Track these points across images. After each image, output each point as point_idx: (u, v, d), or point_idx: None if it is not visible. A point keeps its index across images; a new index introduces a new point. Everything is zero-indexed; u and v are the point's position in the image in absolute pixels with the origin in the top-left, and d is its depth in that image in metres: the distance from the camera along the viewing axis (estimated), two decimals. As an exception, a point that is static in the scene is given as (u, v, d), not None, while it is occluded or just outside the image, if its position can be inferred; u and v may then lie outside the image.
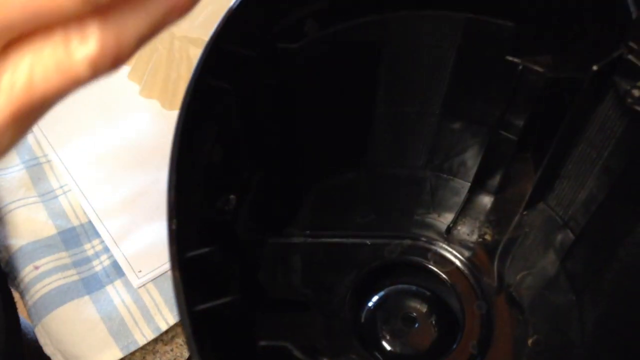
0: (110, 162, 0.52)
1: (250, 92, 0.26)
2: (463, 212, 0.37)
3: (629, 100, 0.27)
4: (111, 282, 0.47)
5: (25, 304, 0.46)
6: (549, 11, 0.31)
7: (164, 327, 0.45)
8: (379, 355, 0.34)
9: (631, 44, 0.27)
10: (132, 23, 0.16)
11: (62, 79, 0.16)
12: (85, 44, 0.15)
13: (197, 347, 0.17)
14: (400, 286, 0.36)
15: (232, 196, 0.28)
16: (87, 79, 0.16)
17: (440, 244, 0.37)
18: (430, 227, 0.38)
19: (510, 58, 0.32)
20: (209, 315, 0.19)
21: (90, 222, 0.49)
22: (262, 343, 0.18)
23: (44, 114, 0.17)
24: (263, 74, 0.27)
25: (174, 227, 0.20)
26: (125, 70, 0.57)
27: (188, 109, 0.22)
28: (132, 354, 0.45)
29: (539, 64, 0.31)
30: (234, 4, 0.26)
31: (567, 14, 0.30)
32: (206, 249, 0.20)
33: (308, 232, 0.36)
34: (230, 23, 0.26)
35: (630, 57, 0.27)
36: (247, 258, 0.31)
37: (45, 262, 0.46)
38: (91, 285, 0.46)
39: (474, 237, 0.37)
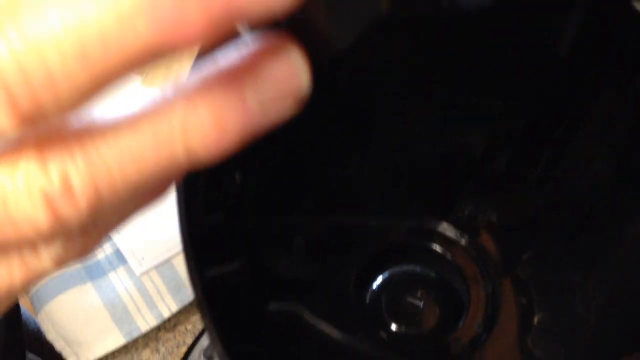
0: (113, 151, 0.52)
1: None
2: (468, 193, 0.37)
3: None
4: (114, 269, 0.47)
5: (27, 291, 0.46)
6: None
7: (166, 314, 0.45)
8: (384, 335, 0.34)
9: None
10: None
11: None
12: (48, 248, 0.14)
13: (209, 311, 0.17)
14: (405, 267, 0.36)
15: (237, 175, 0.28)
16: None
17: (446, 225, 0.37)
18: (435, 208, 0.38)
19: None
20: (218, 281, 0.19)
21: (92, 209, 0.49)
22: (272, 307, 0.19)
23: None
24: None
25: (182, 193, 0.19)
26: (127, 59, 0.57)
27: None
28: (135, 341, 0.45)
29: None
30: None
31: None
32: (215, 217, 0.20)
33: (312, 212, 0.36)
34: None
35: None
36: (253, 235, 0.31)
37: (48, 249, 0.46)
38: (94, 272, 0.46)
39: (480, 218, 0.37)
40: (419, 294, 0.35)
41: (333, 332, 0.30)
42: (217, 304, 0.18)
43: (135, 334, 0.44)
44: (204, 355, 0.41)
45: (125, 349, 0.45)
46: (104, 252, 0.47)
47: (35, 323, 0.55)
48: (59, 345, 0.44)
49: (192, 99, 0.12)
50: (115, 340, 0.44)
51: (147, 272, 0.46)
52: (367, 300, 0.35)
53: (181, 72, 0.54)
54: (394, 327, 0.34)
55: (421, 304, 0.35)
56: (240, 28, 0.13)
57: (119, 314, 0.44)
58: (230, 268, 0.20)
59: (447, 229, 0.37)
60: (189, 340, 0.45)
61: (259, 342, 0.21)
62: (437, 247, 0.36)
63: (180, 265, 0.47)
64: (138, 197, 0.15)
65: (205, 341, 0.43)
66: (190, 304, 0.46)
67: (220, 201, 0.23)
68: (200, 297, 0.18)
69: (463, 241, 0.36)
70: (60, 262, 0.14)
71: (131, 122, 0.13)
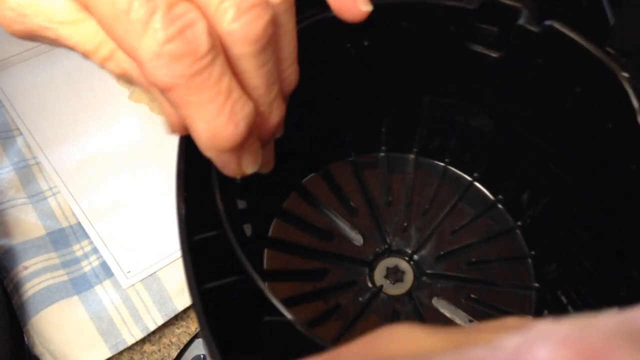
0: (100, 165, 0.53)
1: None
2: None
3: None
4: (100, 282, 0.47)
5: (14, 304, 0.46)
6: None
7: (152, 327, 0.45)
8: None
9: (609, 49, 0.29)
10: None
11: None
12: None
13: (207, 322, 0.18)
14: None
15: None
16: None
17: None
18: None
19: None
20: (216, 293, 0.20)
21: (79, 223, 0.50)
22: (267, 319, 0.19)
23: None
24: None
25: (183, 212, 0.20)
26: (114, 75, 0.58)
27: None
28: (120, 354, 0.45)
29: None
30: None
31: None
32: (213, 233, 0.21)
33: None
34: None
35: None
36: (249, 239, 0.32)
37: (35, 263, 0.47)
38: (80, 285, 0.47)
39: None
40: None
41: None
42: (214, 315, 0.19)
43: (121, 347, 0.44)
44: (189, 367, 0.42)
45: (110, 362, 0.45)
46: (90, 264, 0.48)
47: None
48: (46, 359, 0.44)
49: None
50: (101, 353, 0.44)
51: (133, 285, 0.47)
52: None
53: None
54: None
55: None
56: None
57: (105, 326, 0.45)
58: (228, 280, 0.21)
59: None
60: (174, 353, 0.46)
61: (256, 352, 0.22)
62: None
63: (166, 279, 0.47)
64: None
65: (190, 354, 0.43)
66: (175, 318, 0.47)
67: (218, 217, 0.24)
68: (199, 309, 0.19)
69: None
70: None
71: None
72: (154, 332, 0.46)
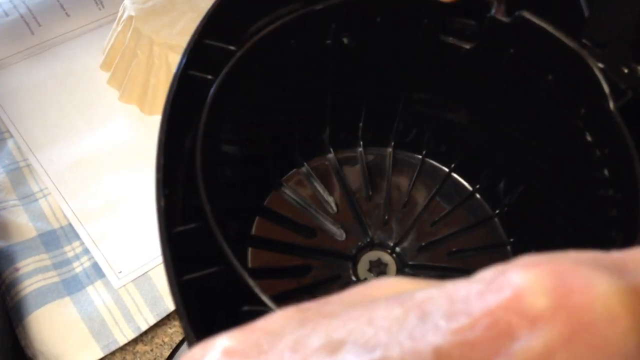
0: (90, 166, 0.53)
1: (232, 82, 0.28)
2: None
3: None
4: (91, 283, 0.47)
5: (6, 306, 0.46)
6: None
7: (144, 327, 0.45)
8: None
9: (584, 41, 0.29)
10: None
11: None
12: None
13: (186, 313, 0.18)
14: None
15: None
16: None
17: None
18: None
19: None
20: (195, 285, 0.20)
21: (70, 224, 0.50)
22: (245, 308, 0.20)
23: None
24: (238, 61, 0.28)
25: (162, 204, 0.21)
26: (104, 76, 0.58)
27: (174, 97, 0.24)
28: (112, 354, 0.45)
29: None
30: (215, 2, 0.28)
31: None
32: (193, 225, 0.22)
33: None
34: (211, 20, 0.28)
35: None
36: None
37: (26, 264, 0.47)
38: (72, 286, 0.47)
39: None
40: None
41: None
42: (194, 306, 0.19)
43: (113, 347, 0.45)
44: (181, 366, 0.42)
45: (103, 362, 0.45)
46: (81, 265, 0.48)
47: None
48: None
49: None
50: (93, 353, 0.44)
51: (124, 286, 0.47)
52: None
53: (157, 88, 0.55)
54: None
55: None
56: None
57: (97, 327, 0.45)
58: (208, 271, 0.21)
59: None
60: (166, 353, 0.46)
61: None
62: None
63: (157, 279, 0.47)
64: None
65: (182, 354, 0.44)
66: (167, 317, 0.47)
67: (198, 210, 0.25)
68: (178, 300, 0.19)
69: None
70: None
71: None
72: (146, 332, 0.46)
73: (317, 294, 0.37)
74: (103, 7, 0.65)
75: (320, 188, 0.43)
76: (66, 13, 0.63)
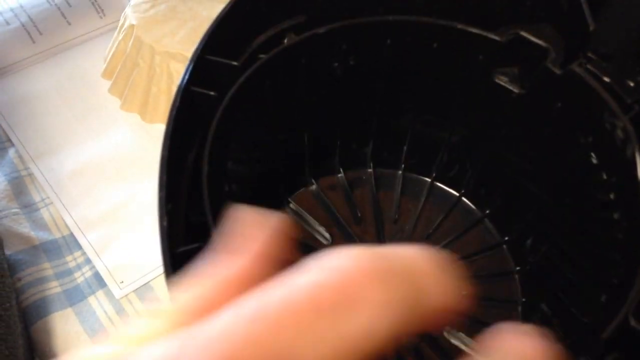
0: (91, 175, 0.53)
1: (235, 98, 0.27)
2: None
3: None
4: (93, 293, 0.47)
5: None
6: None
7: (146, 337, 0.45)
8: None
9: (590, 54, 0.29)
10: None
11: None
12: None
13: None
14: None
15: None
16: None
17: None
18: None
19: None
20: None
21: (71, 234, 0.50)
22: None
23: None
24: (246, 81, 0.28)
25: (165, 224, 0.21)
26: (106, 84, 0.58)
27: (177, 113, 0.23)
28: (115, 364, 0.45)
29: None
30: (218, 17, 0.28)
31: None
32: (196, 245, 0.22)
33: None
34: (214, 35, 0.28)
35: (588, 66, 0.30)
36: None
37: (28, 274, 0.47)
38: (73, 296, 0.47)
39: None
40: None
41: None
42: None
43: (115, 357, 0.44)
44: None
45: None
46: (83, 275, 0.48)
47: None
48: (39, 371, 0.44)
49: None
50: (96, 364, 0.44)
51: (126, 295, 0.47)
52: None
53: (158, 98, 0.55)
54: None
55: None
56: None
57: (99, 337, 0.45)
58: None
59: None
60: (169, 363, 0.46)
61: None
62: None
63: (159, 288, 0.47)
64: None
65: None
66: (170, 327, 0.47)
67: (201, 227, 0.24)
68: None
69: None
70: None
71: None
72: (148, 342, 0.46)
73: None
74: (104, 15, 0.65)
75: (328, 207, 0.42)
76: (67, 21, 0.63)
